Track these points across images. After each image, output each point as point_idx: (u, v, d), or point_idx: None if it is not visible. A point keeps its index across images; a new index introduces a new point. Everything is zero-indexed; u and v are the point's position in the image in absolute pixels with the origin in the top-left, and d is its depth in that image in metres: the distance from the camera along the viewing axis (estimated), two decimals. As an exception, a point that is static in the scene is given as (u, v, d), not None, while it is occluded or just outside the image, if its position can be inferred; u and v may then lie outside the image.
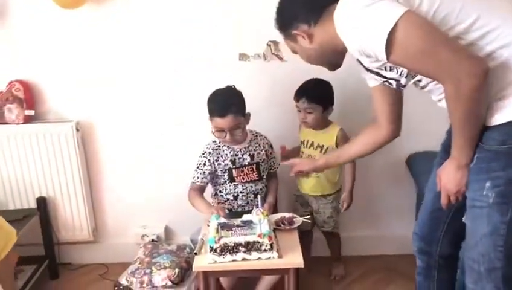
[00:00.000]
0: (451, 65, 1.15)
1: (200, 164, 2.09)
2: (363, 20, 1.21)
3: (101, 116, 2.45)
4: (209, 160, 2.08)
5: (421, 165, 2.27)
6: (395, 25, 1.16)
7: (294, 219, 1.93)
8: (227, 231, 1.76)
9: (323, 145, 2.19)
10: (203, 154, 2.10)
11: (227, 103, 1.96)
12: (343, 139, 2.13)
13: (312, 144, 2.21)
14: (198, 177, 2.09)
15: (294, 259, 1.70)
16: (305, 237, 2.27)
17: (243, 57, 2.33)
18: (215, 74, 2.33)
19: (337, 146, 2.14)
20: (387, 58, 1.20)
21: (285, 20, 1.46)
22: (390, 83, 1.43)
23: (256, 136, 2.18)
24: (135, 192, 2.56)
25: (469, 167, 1.30)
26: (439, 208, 1.43)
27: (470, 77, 1.14)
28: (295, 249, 1.75)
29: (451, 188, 1.35)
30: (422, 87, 1.41)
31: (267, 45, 2.30)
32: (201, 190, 2.09)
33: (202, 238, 1.81)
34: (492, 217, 1.27)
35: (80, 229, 2.54)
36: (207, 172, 2.08)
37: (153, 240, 2.56)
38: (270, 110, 2.35)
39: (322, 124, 2.17)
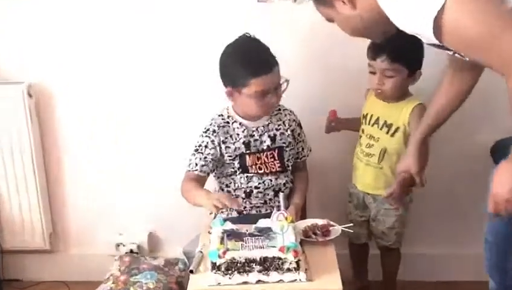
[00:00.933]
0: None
1: (199, 146, 2.09)
2: None
3: (65, 81, 2.47)
4: (212, 141, 2.09)
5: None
6: (443, 6, 1.24)
7: (330, 228, 1.93)
8: (236, 241, 1.76)
9: (391, 125, 2.17)
10: (206, 132, 2.10)
11: (266, 54, 2.01)
12: (420, 118, 2.05)
13: (377, 121, 2.20)
14: (196, 165, 2.08)
15: (330, 283, 1.69)
16: (360, 252, 2.24)
17: None
18: (220, 24, 2.34)
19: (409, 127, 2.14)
20: (441, 43, 1.31)
21: None
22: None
23: (279, 110, 2.19)
24: (109, 186, 2.60)
25: None
26: None
27: None
28: (331, 269, 1.74)
29: (502, 194, 1.42)
30: None
31: (298, -21, 2.29)
32: (199, 181, 2.09)
33: (201, 251, 1.81)
34: None
35: (31, 234, 2.56)
36: (209, 158, 2.08)
37: (131, 251, 2.59)
38: (301, 77, 2.31)
39: (400, 94, 2.16)
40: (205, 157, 2.08)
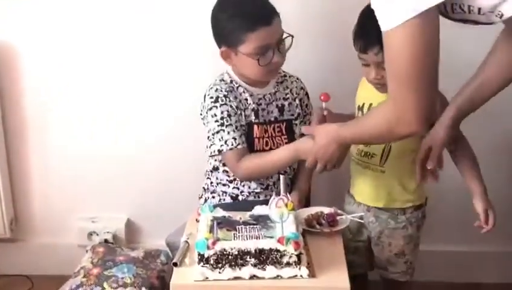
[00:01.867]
0: (406, 101, 1.49)
1: (222, 118, 2.04)
2: None
3: (29, 36, 2.50)
4: (231, 107, 2.06)
5: None
6: (400, 24, 1.39)
7: (337, 218, 1.93)
8: (228, 230, 1.74)
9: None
10: (217, 101, 2.05)
11: (263, 3, 1.99)
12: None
13: (370, 107, 2.11)
14: (235, 139, 2.03)
15: (336, 281, 1.68)
16: (356, 286, 1.98)
17: None
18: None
19: None
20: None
21: None
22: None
23: (285, 76, 2.21)
24: (79, 164, 2.60)
25: None
26: None
27: (405, 125, 1.52)
28: (338, 264, 1.74)
29: None
30: None
31: None
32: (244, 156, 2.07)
33: (186, 241, 1.80)
34: None
35: (-11, 220, 2.58)
36: (239, 125, 2.06)
37: (106, 241, 2.60)
38: (307, 44, 2.32)
39: None
40: (236, 127, 2.05)
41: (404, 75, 1.46)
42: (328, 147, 1.89)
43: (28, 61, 2.52)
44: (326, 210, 1.94)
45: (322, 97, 2.04)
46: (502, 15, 1.44)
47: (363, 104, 2.11)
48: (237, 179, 2.13)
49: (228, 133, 2.04)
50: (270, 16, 1.98)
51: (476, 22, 1.52)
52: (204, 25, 2.20)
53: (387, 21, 1.42)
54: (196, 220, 1.86)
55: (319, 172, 1.97)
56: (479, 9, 1.44)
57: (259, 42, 1.97)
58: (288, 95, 2.17)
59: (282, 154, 2.04)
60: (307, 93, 2.23)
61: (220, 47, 2.04)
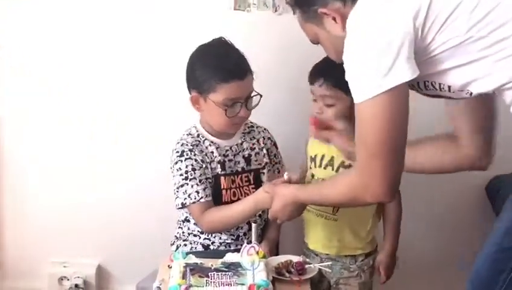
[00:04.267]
0: (373, 170, 1.50)
1: (186, 173, 2.05)
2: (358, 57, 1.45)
3: (6, 96, 2.56)
4: (196, 161, 2.06)
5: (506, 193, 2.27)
6: (370, 98, 1.42)
7: (306, 266, 1.91)
8: (201, 277, 1.71)
9: (350, 166, 2.08)
10: (182, 155, 2.07)
11: (239, 59, 2.03)
12: None
13: (331, 162, 2.15)
14: (198, 193, 2.03)
15: None
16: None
17: (240, 4, 2.37)
18: (191, 32, 2.38)
19: None
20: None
21: None
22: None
23: (252, 127, 2.22)
24: (52, 208, 2.59)
25: None
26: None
27: (372, 194, 1.53)
28: None
29: None
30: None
31: (279, -13, 2.35)
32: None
33: (159, 287, 1.78)
34: None
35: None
36: (204, 178, 2.06)
37: (76, 286, 2.57)
38: (278, 92, 2.36)
39: None
40: (200, 181, 2.05)
41: (373, 146, 1.49)
42: (285, 209, 1.89)
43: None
44: (295, 259, 1.92)
45: (312, 123, 2.07)
46: (471, 93, 1.47)
47: (316, 155, 2.18)
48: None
49: (192, 186, 2.04)
50: (244, 71, 2.00)
51: (450, 98, 1.56)
52: (205, 26, 2.30)
53: (358, 94, 1.45)
54: (168, 266, 1.83)
55: (279, 223, 2.03)
56: (449, 87, 1.48)
57: (230, 94, 1.99)
58: (255, 145, 2.17)
59: (242, 207, 2.02)
60: (275, 143, 2.24)
61: (190, 92, 2.06)
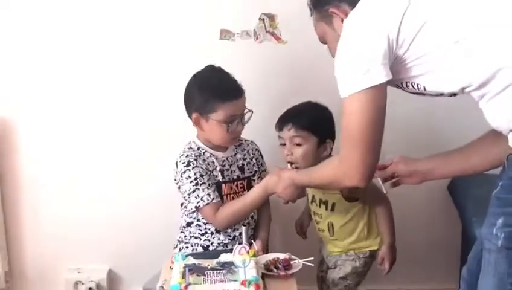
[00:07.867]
0: (352, 160, 1.58)
1: (196, 179, 2.09)
2: (347, 55, 1.51)
3: (24, 110, 2.54)
4: (203, 168, 2.11)
5: (467, 192, 2.34)
6: (357, 93, 1.49)
7: (291, 262, 1.96)
8: (198, 275, 1.78)
9: (326, 201, 2.19)
10: (189, 165, 2.10)
11: (234, 81, 2.10)
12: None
13: (314, 199, 2.25)
14: (209, 195, 2.08)
15: None
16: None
17: (225, 34, 2.42)
18: (182, 60, 2.41)
19: (346, 199, 2.18)
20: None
21: None
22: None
23: (241, 140, 2.29)
24: (67, 220, 2.62)
25: None
26: None
27: (349, 180, 1.63)
28: None
29: None
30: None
31: (260, 19, 2.38)
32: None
33: (162, 286, 1.84)
34: (499, 265, 1.42)
35: (-15, 273, 2.57)
36: (211, 182, 2.11)
37: (90, 289, 2.64)
38: (261, 114, 2.29)
39: (314, 165, 2.01)
40: (209, 185, 2.10)
41: (355, 137, 1.54)
42: (286, 190, 2.01)
43: (23, 133, 2.55)
44: (282, 256, 1.97)
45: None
46: (442, 93, 1.54)
47: (313, 196, 2.26)
48: (208, 232, 2.16)
49: (203, 190, 2.08)
50: (239, 91, 2.09)
51: (427, 95, 1.58)
52: (194, 55, 2.36)
53: (343, 90, 1.51)
54: (170, 267, 1.87)
55: (284, 203, 2.10)
56: (424, 87, 1.54)
57: (229, 112, 2.06)
58: (246, 156, 2.25)
59: (252, 196, 2.09)
60: (261, 154, 2.31)
61: (190, 115, 2.11)
